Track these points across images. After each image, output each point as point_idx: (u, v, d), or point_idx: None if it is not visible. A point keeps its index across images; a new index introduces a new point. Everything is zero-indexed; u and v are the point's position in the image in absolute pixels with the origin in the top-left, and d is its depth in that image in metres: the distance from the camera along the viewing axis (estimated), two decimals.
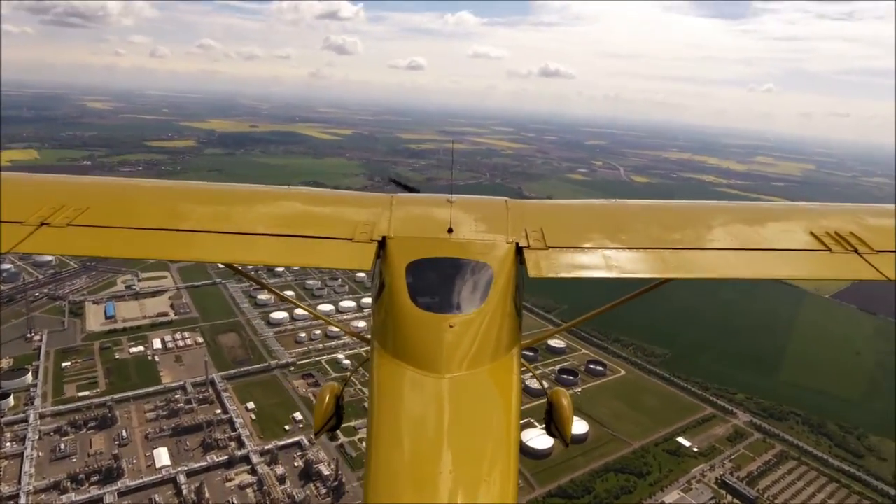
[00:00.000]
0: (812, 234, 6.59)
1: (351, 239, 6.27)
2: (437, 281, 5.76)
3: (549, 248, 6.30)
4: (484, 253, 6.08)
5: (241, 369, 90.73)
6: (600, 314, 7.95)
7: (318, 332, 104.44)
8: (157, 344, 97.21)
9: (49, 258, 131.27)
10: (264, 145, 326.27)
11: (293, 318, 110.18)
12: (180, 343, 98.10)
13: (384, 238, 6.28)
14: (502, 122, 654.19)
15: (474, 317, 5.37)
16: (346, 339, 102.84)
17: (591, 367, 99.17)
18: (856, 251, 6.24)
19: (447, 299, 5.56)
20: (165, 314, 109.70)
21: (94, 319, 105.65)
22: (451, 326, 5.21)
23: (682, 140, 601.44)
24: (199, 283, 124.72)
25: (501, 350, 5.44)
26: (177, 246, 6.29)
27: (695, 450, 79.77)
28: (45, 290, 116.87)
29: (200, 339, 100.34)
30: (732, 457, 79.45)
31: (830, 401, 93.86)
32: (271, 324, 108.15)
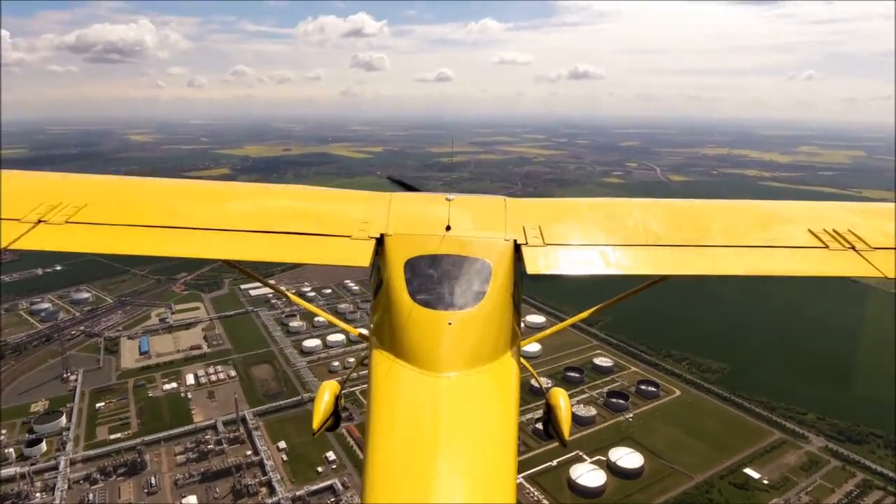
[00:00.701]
0: (810, 231, 6.63)
1: (349, 236, 6.31)
2: (436, 278, 5.69)
3: (548, 245, 6.36)
4: (482, 250, 6.04)
5: (273, 404, 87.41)
6: (600, 311, 7.72)
7: (351, 359, 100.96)
8: (189, 379, 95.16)
9: (86, 295, 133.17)
10: (296, 168, 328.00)
11: (326, 346, 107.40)
12: (213, 378, 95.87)
13: (382, 235, 6.30)
14: (533, 129, 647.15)
15: (473, 314, 5.35)
16: None
17: (643, 387, 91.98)
18: (853, 248, 6.29)
19: (445, 296, 5.48)
20: (199, 347, 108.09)
21: (129, 356, 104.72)
22: (449, 324, 5.19)
23: (718, 135, 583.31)
24: (232, 313, 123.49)
25: (500, 347, 5.41)
26: (175, 242, 6.20)
27: (765, 482, 71.75)
28: (82, 328, 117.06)
29: (233, 373, 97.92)
30: (809, 489, 71.10)
31: None
32: (304, 352, 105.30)
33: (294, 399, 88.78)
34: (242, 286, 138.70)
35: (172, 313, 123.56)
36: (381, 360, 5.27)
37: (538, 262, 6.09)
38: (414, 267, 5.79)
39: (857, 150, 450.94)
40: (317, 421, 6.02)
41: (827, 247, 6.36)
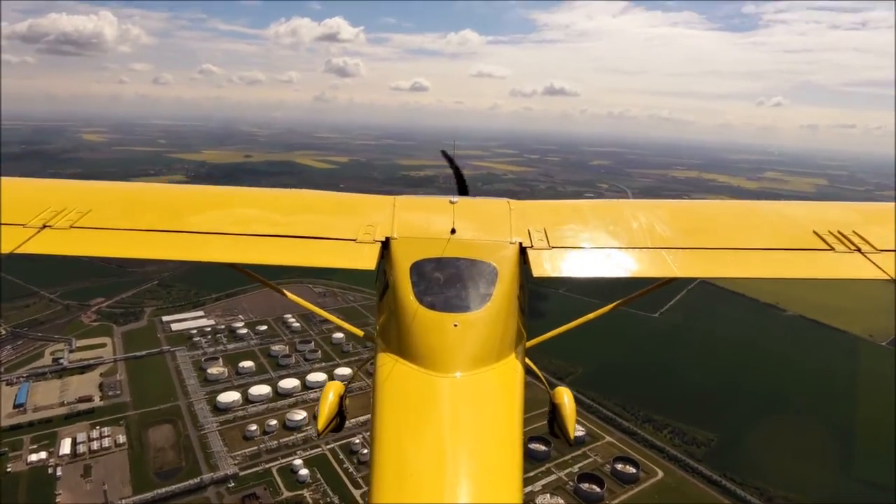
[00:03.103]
0: (815, 233, 6.61)
1: (354, 240, 6.37)
2: (441, 280, 5.70)
3: (553, 247, 6.39)
4: (487, 253, 6.07)
5: (163, 490, 68.97)
6: (607, 312, 7.44)
7: (273, 421, 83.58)
8: (65, 446, 76.29)
9: None
10: (255, 177, 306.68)
11: (247, 400, 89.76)
12: (95, 445, 77.30)
13: (387, 239, 6.34)
14: (505, 144, 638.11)
15: (478, 316, 5.37)
16: (309, 431, 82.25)
17: (619, 468, 77.02)
18: (859, 250, 6.26)
19: (451, 298, 5.51)
20: (89, 398, 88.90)
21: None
22: (455, 325, 5.21)
23: (686, 157, 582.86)
24: (143, 353, 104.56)
25: (506, 349, 5.41)
26: (181, 246, 6.26)
27: None
28: None
29: (123, 438, 79.49)
30: None
31: None
32: (218, 409, 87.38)
33: (192, 482, 70.84)
34: (165, 318, 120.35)
35: (71, 351, 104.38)
36: (387, 361, 5.24)
37: (544, 265, 6.12)
38: (420, 270, 5.77)
39: (819, 179, 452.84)
40: (322, 422, 5.86)
41: (833, 249, 6.31)
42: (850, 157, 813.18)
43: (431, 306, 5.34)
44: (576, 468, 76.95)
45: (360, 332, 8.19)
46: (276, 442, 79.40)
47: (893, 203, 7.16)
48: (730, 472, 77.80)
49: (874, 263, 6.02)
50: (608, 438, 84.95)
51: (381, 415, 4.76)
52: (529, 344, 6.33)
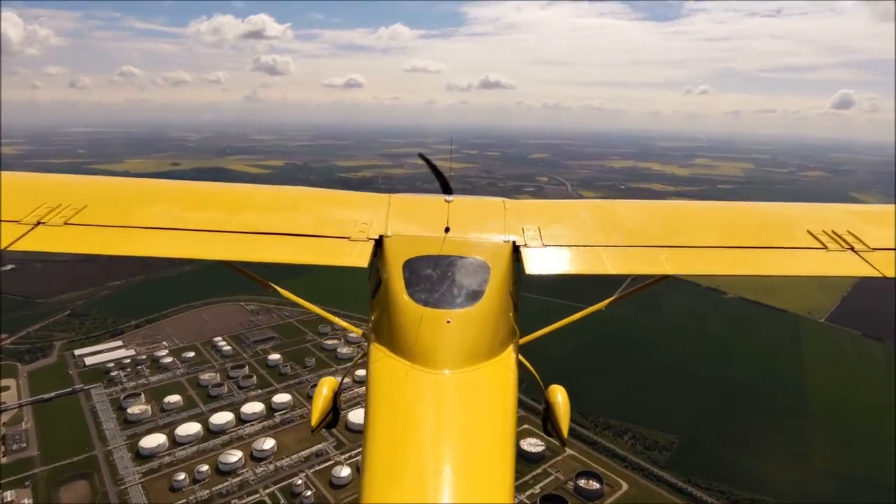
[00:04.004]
0: (809, 232, 6.58)
1: (348, 237, 6.30)
2: (434, 277, 5.63)
3: (546, 245, 6.37)
4: (481, 250, 6.02)
5: None
6: (602, 308, 7.27)
7: (204, 467, 74.64)
8: None
9: None
10: None
11: (174, 443, 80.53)
12: None
13: (381, 237, 6.30)
14: (444, 139, 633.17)
15: (471, 313, 5.29)
16: (247, 473, 74.23)
17: (582, 484, 72.73)
18: (852, 249, 6.27)
19: (444, 295, 5.42)
20: None
21: None
22: (447, 322, 5.15)
23: (622, 147, 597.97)
24: (52, 395, 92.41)
25: (498, 346, 5.37)
26: (175, 244, 6.15)
27: None
28: None
29: (29, 502, 69.19)
30: None
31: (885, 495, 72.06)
32: (141, 455, 77.70)
33: None
34: (77, 351, 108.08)
35: None
36: (380, 358, 5.20)
37: (536, 263, 6.08)
38: (413, 267, 5.68)
39: (746, 163, 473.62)
40: (315, 418, 5.80)
41: (826, 247, 6.32)
42: (772, 140, 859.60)
43: (424, 303, 5.25)
44: (537, 489, 72.28)
45: (358, 331, 7.99)
46: (207, 491, 70.60)
47: (890, 205, 7.10)
48: (694, 478, 75.40)
49: (867, 261, 6.03)
50: (568, 451, 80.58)
51: (374, 412, 4.69)
52: (523, 341, 6.24)
